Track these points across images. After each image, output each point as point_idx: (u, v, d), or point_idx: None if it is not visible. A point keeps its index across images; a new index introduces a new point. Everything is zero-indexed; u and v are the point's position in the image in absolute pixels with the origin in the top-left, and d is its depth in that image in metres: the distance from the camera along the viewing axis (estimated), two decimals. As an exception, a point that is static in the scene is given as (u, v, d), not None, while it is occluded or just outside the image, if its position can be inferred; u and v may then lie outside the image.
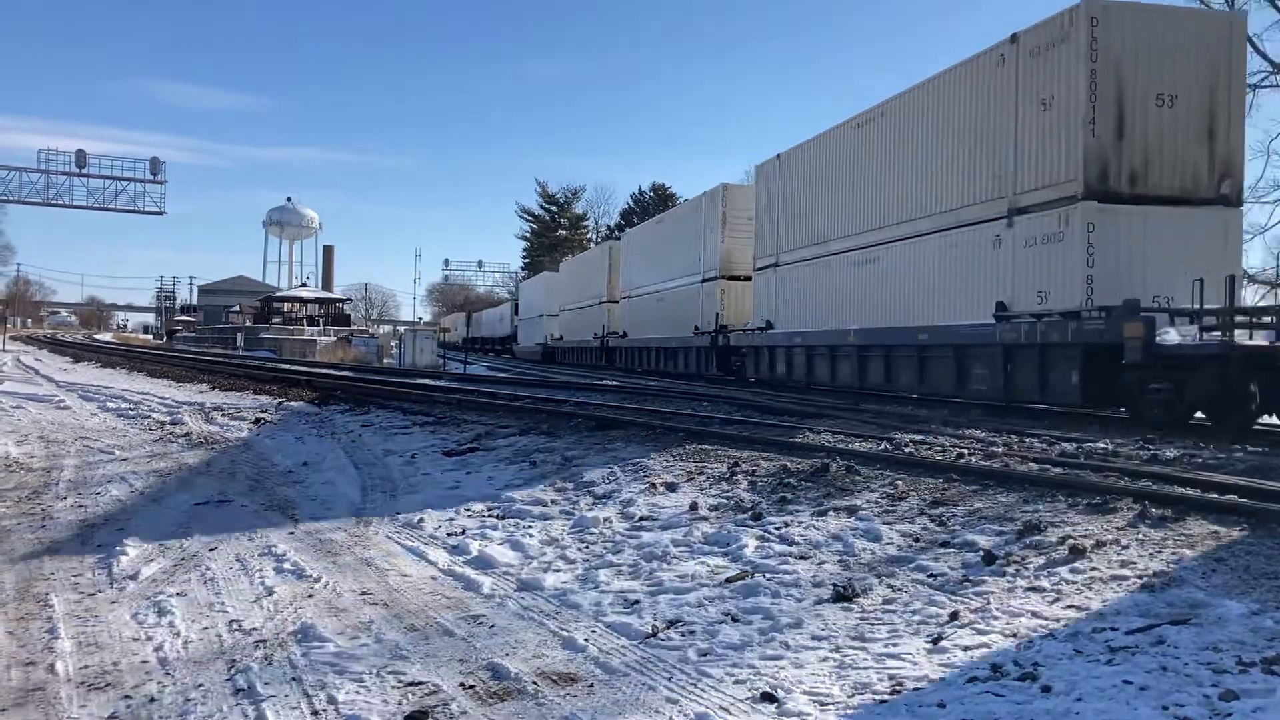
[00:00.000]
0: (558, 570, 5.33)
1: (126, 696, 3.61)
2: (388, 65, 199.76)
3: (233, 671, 3.82)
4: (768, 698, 3.41)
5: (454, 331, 77.36)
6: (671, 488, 7.21)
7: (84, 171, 60.03)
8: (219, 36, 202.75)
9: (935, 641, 3.89)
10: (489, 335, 68.65)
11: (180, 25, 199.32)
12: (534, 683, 3.64)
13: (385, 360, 37.97)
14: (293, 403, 15.70)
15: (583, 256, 46.18)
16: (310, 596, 4.89)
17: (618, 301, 34.48)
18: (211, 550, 5.93)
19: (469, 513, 6.91)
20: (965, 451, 8.07)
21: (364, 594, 4.93)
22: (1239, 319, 10.48)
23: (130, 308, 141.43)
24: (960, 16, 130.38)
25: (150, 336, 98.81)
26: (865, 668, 3.68)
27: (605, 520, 6.36)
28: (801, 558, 5.24)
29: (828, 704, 3.36)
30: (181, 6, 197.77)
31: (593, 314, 37.30)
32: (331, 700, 3.50)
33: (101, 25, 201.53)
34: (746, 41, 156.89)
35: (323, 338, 46.31)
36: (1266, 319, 10.66)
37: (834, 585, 4.66)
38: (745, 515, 6.23)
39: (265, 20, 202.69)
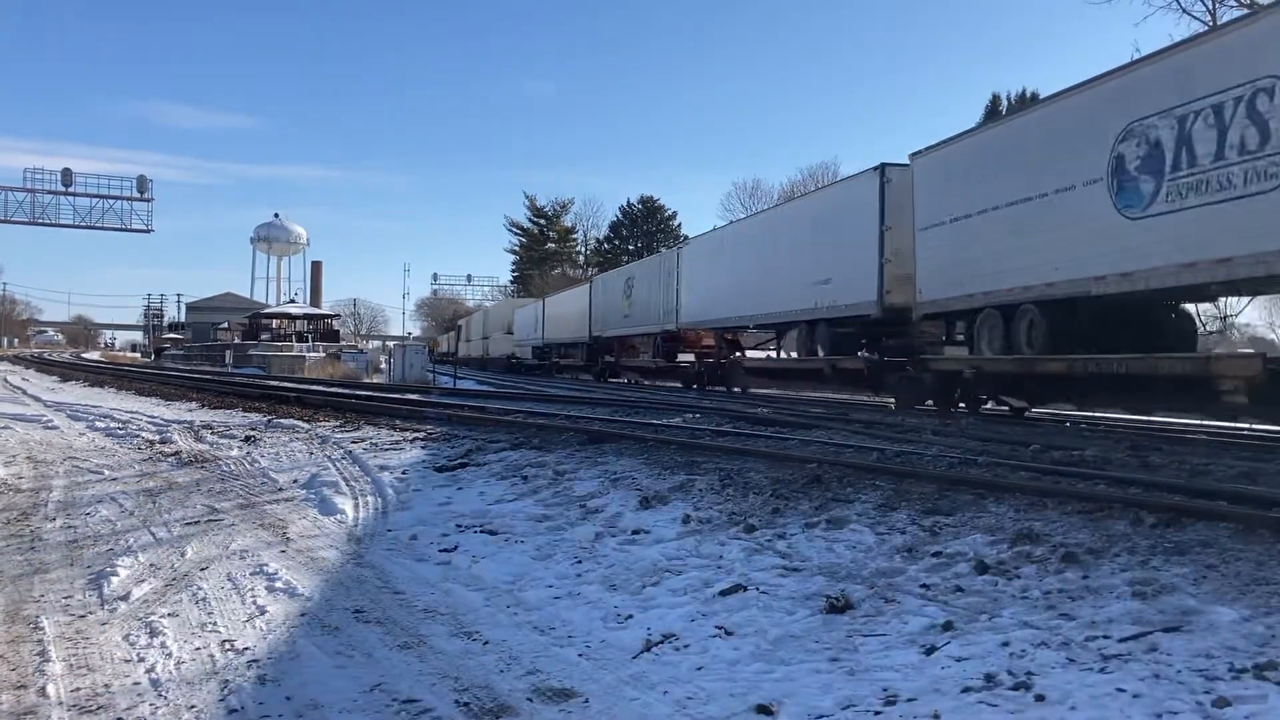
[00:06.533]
0: (550, 585, 5.32)
1: (118, 719, 3.59)
2: (378, 83, 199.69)
3: (226, 692, 3.80)
4: (762, 710, 3.42)
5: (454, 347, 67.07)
6: (663, 500, 7.21)
7: (70, 190, 59.96)
8: (211, 57, 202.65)
9: (928, 652, 3.90)
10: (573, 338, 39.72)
11: (172, 47, 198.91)
12: (529, 699, 3.63)
13: (374, 376, 37.85)
14: (282, 420, 15.64)
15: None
16: (303, 615, 4.87)
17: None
18: (203, 570, 5.90)
19: (461, 528, 6.89)
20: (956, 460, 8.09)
21: (357, 612, 4.91)
22: None
23: (118, 326, 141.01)
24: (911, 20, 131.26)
25: (138, 354, 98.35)
26: (859, 679, 3.68)
27: (597, 535, 6.36)
28: (794, 570, 5.25)
29: (822, 716, 3.36)
30: (173, 28, 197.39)
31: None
32: (326, 720, 3.48)
33: (91, 47, 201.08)
34: (733, 58, 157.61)
35: (311, 354, 46.13)
36: None
37: (826, 597, 4.66)
38: (737, 528, 6.24)
39: (257, 41, 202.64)
